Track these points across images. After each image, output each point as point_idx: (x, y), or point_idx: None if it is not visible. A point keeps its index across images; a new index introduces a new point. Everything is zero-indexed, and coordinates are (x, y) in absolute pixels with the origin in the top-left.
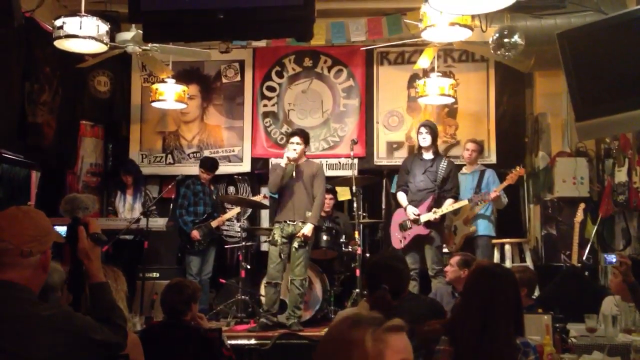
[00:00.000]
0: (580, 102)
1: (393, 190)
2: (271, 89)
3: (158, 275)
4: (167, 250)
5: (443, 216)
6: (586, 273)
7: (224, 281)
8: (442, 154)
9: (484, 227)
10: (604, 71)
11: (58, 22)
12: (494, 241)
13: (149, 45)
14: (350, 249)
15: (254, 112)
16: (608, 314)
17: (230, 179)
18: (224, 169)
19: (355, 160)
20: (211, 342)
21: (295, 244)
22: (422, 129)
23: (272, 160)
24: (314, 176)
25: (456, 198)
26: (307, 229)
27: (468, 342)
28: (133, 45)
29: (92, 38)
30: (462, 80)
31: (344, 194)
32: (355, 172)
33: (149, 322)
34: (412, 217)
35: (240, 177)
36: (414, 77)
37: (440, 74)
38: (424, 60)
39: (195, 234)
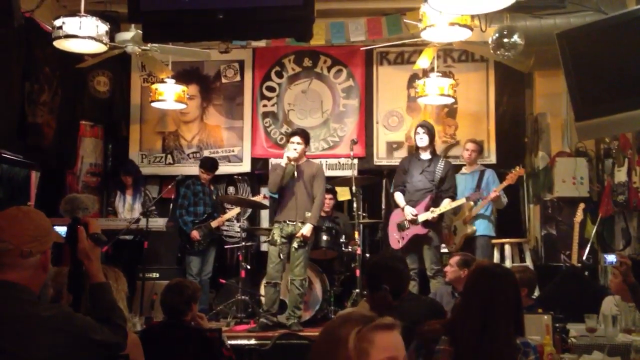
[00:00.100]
0: (580, 102)
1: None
2: (271, 89)
3: (158, 275)
4: (167, 250)
5: (441, 216)
6: (586, 273)
7: (224, 281)
8: (439, 154)
9: (483, 227)
10: (604, 71)
11: (58, 22)
12: (494, 241)
13: (149, 45)
14: (350, 249)
15: (254, 112)
16: (608, 314)
17: (230, 179)
18: (223, 169)
19: (355, 161)
20: (211, 342)
21: (295, 244)
22: (420, 129)
23: (272, 161)
24: (314, 176)
25: (453, 198)
26: (307, 230)
27: (468, 342)
28: (133, 45)
29: (92, 38)
30: (461, 80)
31: (343, 194)
32: (355, 172)
33: (149, 322)
34: (410, 217)
35: (240, 177)
36: (413, 77)
37: (440, 74)
38: (423, 60)
39: (195, 234)
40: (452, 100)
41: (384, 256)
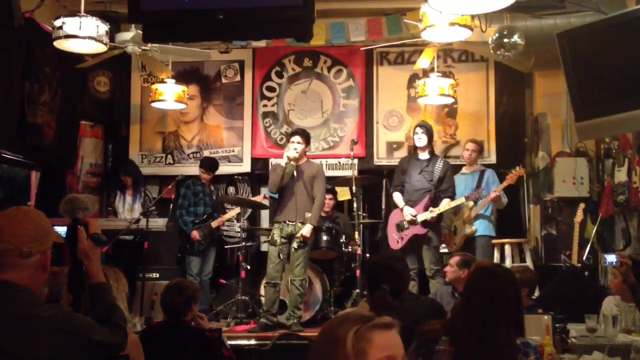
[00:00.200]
0: (580, 102)
1: None
2: (271, 89)
3: (158, 275)
4: (167, 250)
5: (440, 216)
6: (586, 273)
7: (224, 281)
8: (437, 154)
9: (483, 227)
10: (604, 71)
11: (58, 23)
12: (494, 241)
13: (149, 45)
14: (350, 249)
15: (254, 112)
16: (608, 314)
17: (230, 179)
18: (223, 169)
19: (355, 161)
20: (211, 343)
21: (295, 245)
22: (418, 129)
23: (272, 161)
24: (314, 177)
25: (452, 198)
26: (306, 230)
27: (468, 342)
28: (133, 46)
29: (92, 38)
30: (461, 80)
31: (343, 194)
32: (355, 173)
33: (149, 322)
34: (409, 217)
35: (240, 178)
36: (413, 77)
37: (440, 74)
38: (423, 61)
39: (195, 234)
40: (452, 100)
41: (383, 256)
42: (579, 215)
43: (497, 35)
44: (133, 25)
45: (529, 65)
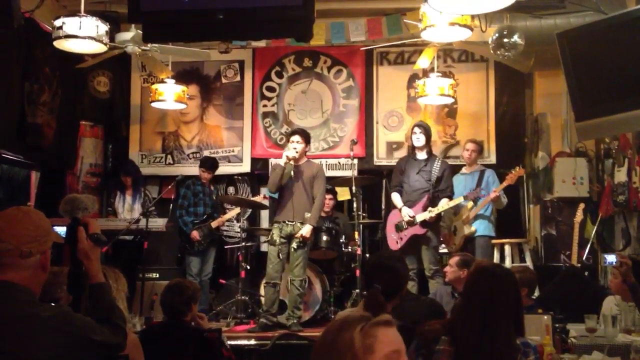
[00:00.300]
0: (580, 102)
1: None
2: (271, 89)
3: (158, 275)
4: (167, 250)
5: (439, 216)
6: (586, 273)
7: (223, 282)
8: (435, 154)
9: (483, 228)
10: (604, 71)
11: (57, 23)
12: (494, 241)
13: (149, 45)
14: (350, 249)
15: (254, 112)
16: (608, 314)
17: (230, 179)
18: (223, 169)
19: (355, 161)
20: (211, 343)
21: (294, 245)
22: (416, 129)
23: (272, 161)
24: (314, 177)
25: (451, 197)
26: (306, 230)
27: (468, 342)
28: (133, 46)
29: (92, 38)
30: (461, 80)
31: (343, 194)
32: (355, 173)
33: (148, 322)
34: (407, 218)
35: (240, 178)
36: (413, 77)
37: (440, 74)
38: (423, 61)
39: (195, 234)
40: (452, 100)
41: (381, 255)
42: (579, 216)
43: (497, 35)
44: (133, 25)
45: (529, 65)
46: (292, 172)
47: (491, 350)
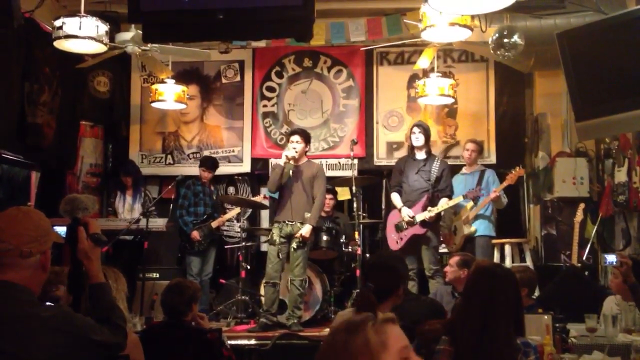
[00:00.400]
0: (580, 102)
1: None
2: (271, 89)
3: (158, 275)
4: (167, 250)
5: (438, 215)
6: (586, 273)
7: (224, 281)
8: (435, 153)
9: (483, 228)
10: (604, 71)
11: (57, 23)
12: (494, 241)
13: (149, 45)
14: (350, 249)
15: (254, 112)
16: (608, 314)
17: (230, 179)
18: (223, 169)
19: (355, 161)
20: (211, 343)
21: (294, 245)
22: (415, 129)
23: (272, 161)
24: (314, 177)
25: (450, 197)
26: (305, 230)
27: (468, 342)
28: (133, 46)
29: (92, 38)
30: (461, 80)
31: (343, 194)
32: (355, 173)
33: (149, 322)
34: (407, 219)
35: (240, 178)
36: (413, 77)
37: (440, 74)
38: (423, 61)
39: (196, 234)
40: (452, 100)
41: (381, 254)
42: (579, 215)
43: (497, 35)
44: (133, 25)
45: (529, 65)
46: (290, 172)
47: (491, 350)
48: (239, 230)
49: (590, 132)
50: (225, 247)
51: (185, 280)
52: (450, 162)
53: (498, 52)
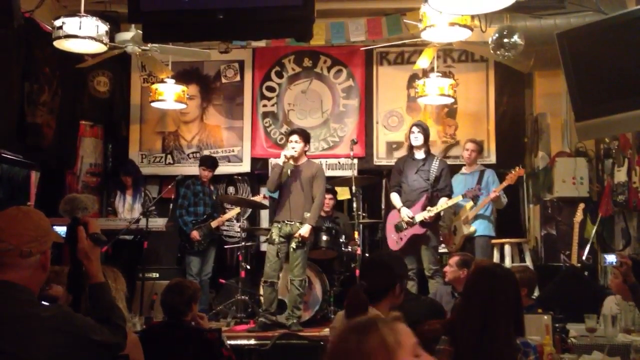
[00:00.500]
0: (580, 102)
1: None
2: (271, 89)
3: (158, 275)
4: (167, 250)
5: (438, 215)
6: (586, 273)
7: (223, 281)
8: (434, 153)
9: (483, 228)
10: (604, 71)
11: (58, 23)
12: (494, 241)
13: (149, 45)
14: (350, 249)
15: (254, 112)
16: (608, 314)
17: (230, 179)
18: (223, 169)
19: (355, 161)
20: (211, 343)
21: (293, 245)
22: (414, 128)
23: (272, 161)
24: (314, 177)
25: (450, 196)
26: (305, 230)
27: (468, 342)
28: (132, 46)
29: (92, 38)
30: (461, 80)
31: (343, 194)
32: (355, 172)
33: (149, 322)
34: (406, 219)
35: (240, 178)
36: (413, 77)
37: (440, 74)
38: (423, 61)
39: (195, 234)
40: (452, 100)
41: (378, 253)
42: (579, 215)
43: (497, 35)
44: (133, 25)
45: (529, 65)
46: (289, 172)
47: (491, 350)
48: (238, 230)
49: (590, 132)
50: (225, 247)
51: (185, 280)
52: (450, 162)
53: (498, 52)
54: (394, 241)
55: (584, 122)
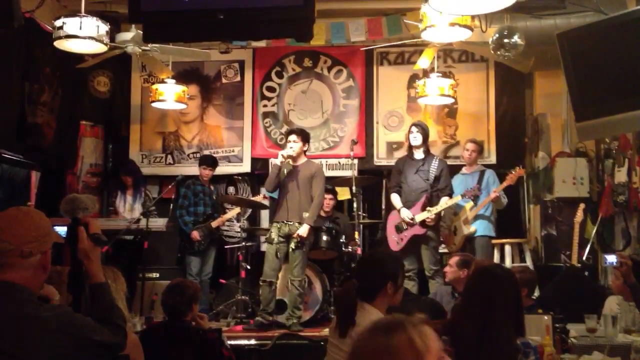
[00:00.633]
0: (580, 102)
1: None
2: (271, 89)
3: (158, 275)
4: (167, 250)
5: (438, 215)
6: (586, 273)
7: (224, 281)
8: (433, 153)
9: (483, 228)
10: (604, 71)
11: (58, 23)
12: (494, 241)
13: (149, 45)
14: (350, 249)
15: (254, 112)
16: (608, 314)
17: (230, 179)
18: (223, 169)
19: (355, 161)
20: (211, 343)
21: (292, 245)
22: (413, 128)
23: (272, 161)
24: (313, 177)
25: (450, 196)
26: (303, 230)
27: (468, 342)
28: (133, 46)
29: (92, 38)
30: (462, 80)
31: (343, 194)
32: (355, 173)
33: (149, 322)
34: (407, 220)
35: (240, 178)
36: (413, 78)
37: (440, 74)
38: (423, 61)
39: (195, 234)
40: (452, 100)
41: (373, 251)
42: (579, 216)
43: (497, 35)
44: (133, 25)
45: (529, 66)
46: (285, 172)
47: (491, 350)
48: (238, 230)
49: (590, 132)
50: (225, 247)
51: (186, 280)
52: (450, 162)
53: (498, 52)
54: (395, 242)
55: (584, 122)
